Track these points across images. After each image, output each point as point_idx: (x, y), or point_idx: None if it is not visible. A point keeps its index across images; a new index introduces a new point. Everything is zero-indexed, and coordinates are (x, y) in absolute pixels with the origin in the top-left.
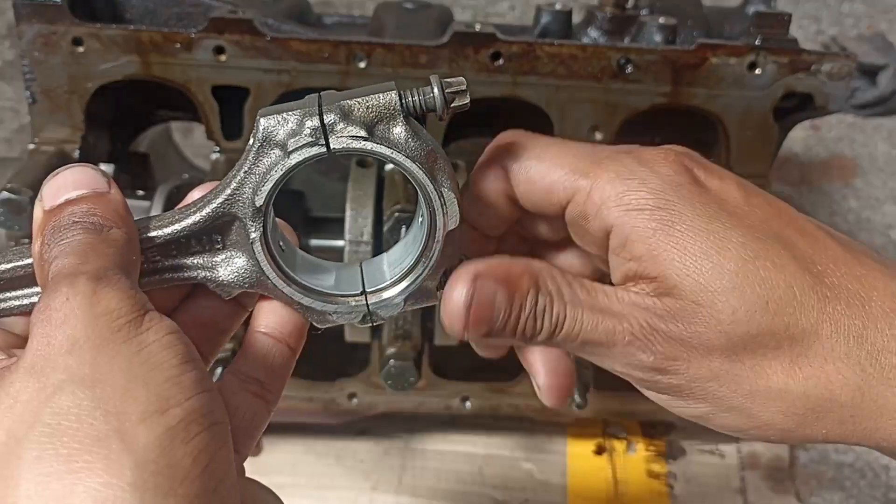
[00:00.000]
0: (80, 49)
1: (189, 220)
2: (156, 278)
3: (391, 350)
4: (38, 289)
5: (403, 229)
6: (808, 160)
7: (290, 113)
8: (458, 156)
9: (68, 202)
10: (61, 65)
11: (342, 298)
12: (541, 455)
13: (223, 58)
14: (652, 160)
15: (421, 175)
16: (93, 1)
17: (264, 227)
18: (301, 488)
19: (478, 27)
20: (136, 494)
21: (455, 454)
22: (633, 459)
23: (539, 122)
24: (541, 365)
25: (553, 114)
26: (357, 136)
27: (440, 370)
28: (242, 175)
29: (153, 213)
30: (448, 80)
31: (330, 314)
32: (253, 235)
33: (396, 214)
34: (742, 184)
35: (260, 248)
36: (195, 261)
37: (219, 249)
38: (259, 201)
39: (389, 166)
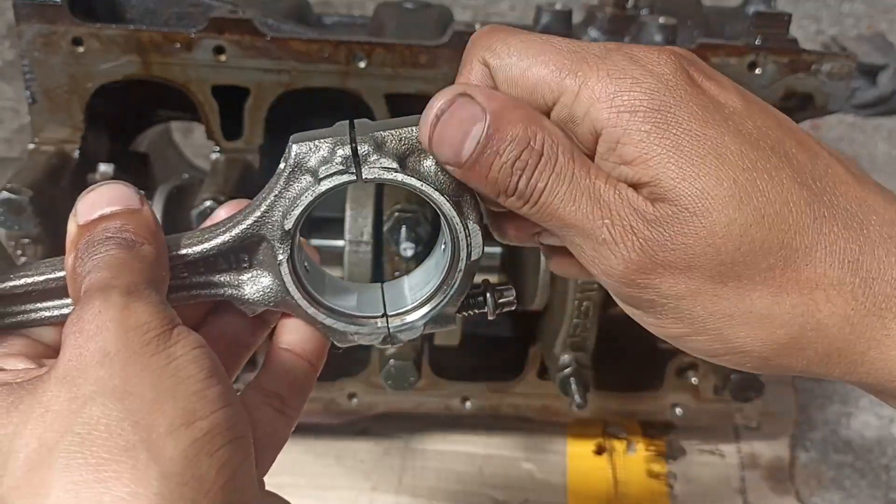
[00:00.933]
0: (80, 49)
1: (218, 240)
2: (183, 294)
3: (391, 350)
4: (68, 301)
5: (404, 230)
6: None
7: (323, 140)
8: None
9: (102, 217)
10: (61, 65)
11: (364, 320)
12: (541, 455)
13: (223, 58)
14: (646, 58)
15: (447, 207)
16: (93, 1)
17: (291, 249)
18: (301, 488)
19: (478, 27)
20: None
21: (455, 454)
22: (633, 459)
23: None
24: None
25: None
26: (389, 168)
27: (440, 370)
28: (273, 199)
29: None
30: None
31: (351, 334)
32: (280, 257)
33: (396, 214)
34: (742, 91)
35: (287, 269)
36: (222, 278)
37: (245, 268)
38: (288, 225)
39: None
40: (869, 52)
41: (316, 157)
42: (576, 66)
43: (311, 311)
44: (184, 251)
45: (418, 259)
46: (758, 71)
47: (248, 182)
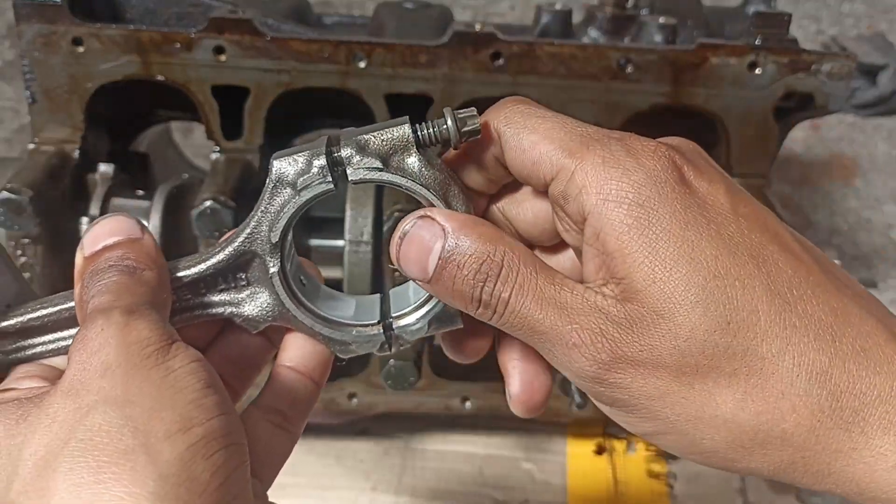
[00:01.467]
0: (80, 49)
1: (214, 260)
2: (187, 315)
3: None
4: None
5: None
6: (808, 160)
7: (300, 154)
8: None
9: (105, 248)
10: (61, 65)
11: (361, 328)
12: (541, 455)
13: (223, 58)
14: (640, 151)
15: (436, 202)
16: (93, 1)
17: (282, 261)
18: (301, 488)
19: (478, 27)
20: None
21: (455, 454)
22: (633, 459)
23: None
24: (518, 374)
25: None
26: (373, 168)
27: (440, 370)
28: (259, 214)
29: (153, 212)
30: (459, 110)
31: (349, 344)
32: (272, 270)
33: (396, 214)
34: (732, 190)
35: (279, 281)
36: (222, 297)
37: (243, 286)
38: (275, 238)
39: None
40: (869, 52)
41: (294, 170)
42: (576, 149)
43: (308, 321)
44: (182, 273)
45: None
46: (758, 71)
47: (248, 182)
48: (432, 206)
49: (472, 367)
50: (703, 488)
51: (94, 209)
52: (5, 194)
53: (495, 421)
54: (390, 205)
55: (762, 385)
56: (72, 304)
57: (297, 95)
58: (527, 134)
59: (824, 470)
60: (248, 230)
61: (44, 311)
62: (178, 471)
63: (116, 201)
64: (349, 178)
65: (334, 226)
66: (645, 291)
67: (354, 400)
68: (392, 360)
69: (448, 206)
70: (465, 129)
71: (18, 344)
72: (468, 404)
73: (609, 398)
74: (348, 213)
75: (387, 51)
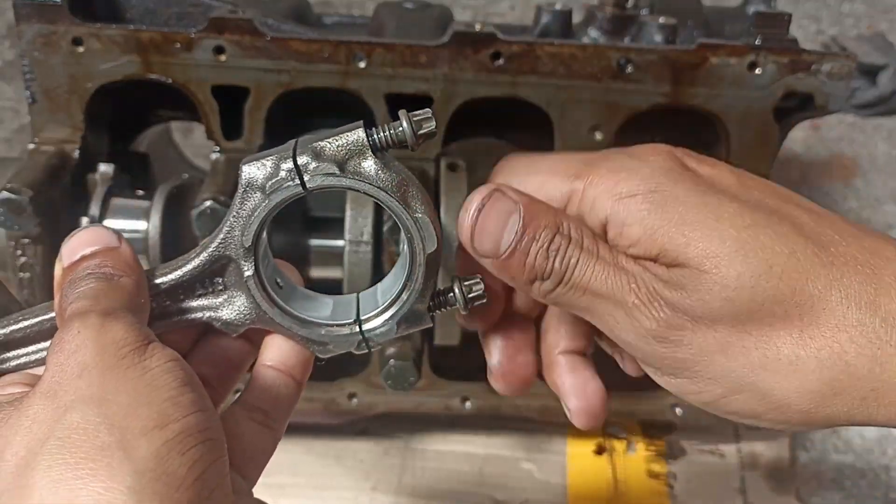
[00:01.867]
0: (80, 49)
1: (190, 266)
2: (167, 321)
3: (391, 350)
4: None
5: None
6: (808, 160)
7: (268, 158)
8: (458, 156)
9: (83, 258)
10: (61, 65)
11: (337, 327)
12: (541, 455)
13: (223, 58)
14: (641, 152)
15: (394, 204)
16: (93, 1)
17: (256, 264)
18: (301, 488)
19: (478, 27)
20: (134, 498)
21: (455, 454)
22: (633, 459)
23: (539, 122)
24: (570, 387)
25: (553, 114)
26: (329, 174)
27: (440, 370)
28: (231, 219)
29: (153, 212)
30: (415, 112)
31: (327, 344)
32: (247, 273)
33: None
34: (734, 171)
35: (254, 283)
36: (200, 303)
37: (220, 290)
38: (247, 242)
39: None
40: (869, 52)
41: (263, 173)
42: (581, 171)
43: (285, 323)
44: (160, 280)
45: None
46: (758, 71)
47: None
48: (390, 207)
49: (472, 368)
50: (703, 488)
51: (95, 209)
52: (5, 194)
53: (495, 421)
54: None
55: (816, 321)
56: (52, 314)
57: (297, 95)
58: (532, 177)
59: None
60: (221, 235)
61: (26, 323)
62: (155, 466)
63: (116, 201)
64: (307, 186)
65: (334, 226)
66: (683, 255)
67: (354, 400)
68: (392, 360)
69: (407, 206)
70: (421, 131)
71: (2, 356)
72: (468, 404)
73: (673, 361)
74: (348, 213)
75: (387, 51)
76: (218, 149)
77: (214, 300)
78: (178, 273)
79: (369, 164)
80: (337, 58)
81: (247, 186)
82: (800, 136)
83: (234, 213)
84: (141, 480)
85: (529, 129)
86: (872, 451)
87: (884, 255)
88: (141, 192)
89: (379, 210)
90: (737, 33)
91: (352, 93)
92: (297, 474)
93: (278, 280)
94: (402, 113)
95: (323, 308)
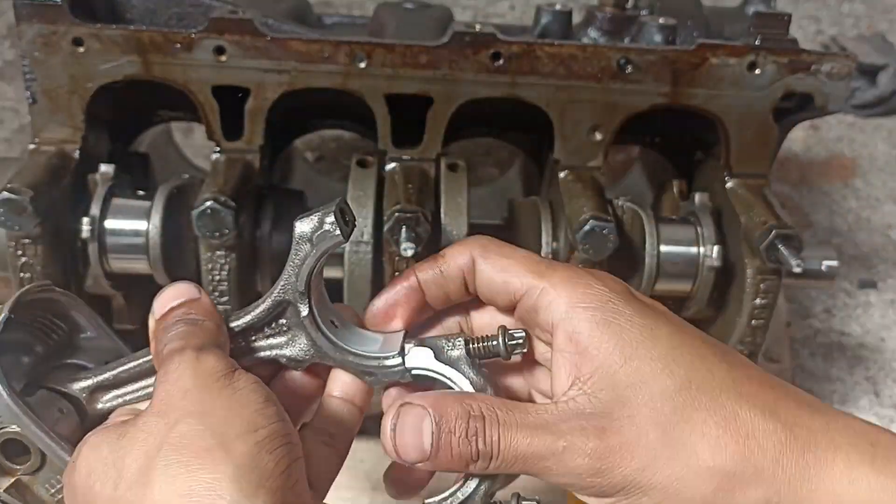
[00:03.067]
0: (81, 49)
1: (258, 311)
2: (242, 360)
3: None
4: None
5: (404, 230)
6: (808, 160)
7: (315, 214)
8: (458, 156)
9: (171, 309)
10: (61, 65)
11: (382, 359)
12: None
13: (223, 58)
14: (596, 273)
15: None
16: (93, 1)
17: (310, 306)
18: None
19: (478, 27)
20: (235, 485)
21: None
22: None
23: (539, 123)
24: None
25: (553, 114)
26: (428, 359)
27: None
28: (289, 269)
29: (153, 213)
30: (512, 331)
31: (376, 374)
32: (303, 314)
33: (396, 214)
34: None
35: (309, 322)
36: (269, 342)
37: (285, 331)
38: (300, 286)
39: (390, 166)
40: (869, 52)
41: (311, 227)
42: (544, 271)
43: (339, 357)
44: (234, 324)
45: (418, 259)
46: (757, 71)
47: (248, 182)
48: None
49: None
50: None
51: (95, 209)
52: (6, 194)
53: None
54: (390, 205)
55: (730, 427)
56: (149, 357)
57: (297, 96)
58: (501, 259)
59: (796, 501)
60: (282, 283)
61: (129, 365)
62: (249, 461)
63: (117, 201)
64: (408, 369)
65: None
66: (617, 374)
67: None
68: None
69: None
70: (515, 352)
71: (113, 393)
72: None
73: (610, 487)
74: None
75: (387, 51)
76: (218, 149)
77: (280, 339)
78: (249, 317)
79: (462, 362)
80: (337, 58)
81: (299, 239)
82: (800, 136)
83: (290, 263)
84: (239, 471)
85: (529, 129)
86: None
87: (775, 382)
88: (141, 193)
89: (379, 210)
90: (736, 33)
91: (352, 93)
92: None
93: (333, 320)
94: (500, 330)
95: (372, 343)
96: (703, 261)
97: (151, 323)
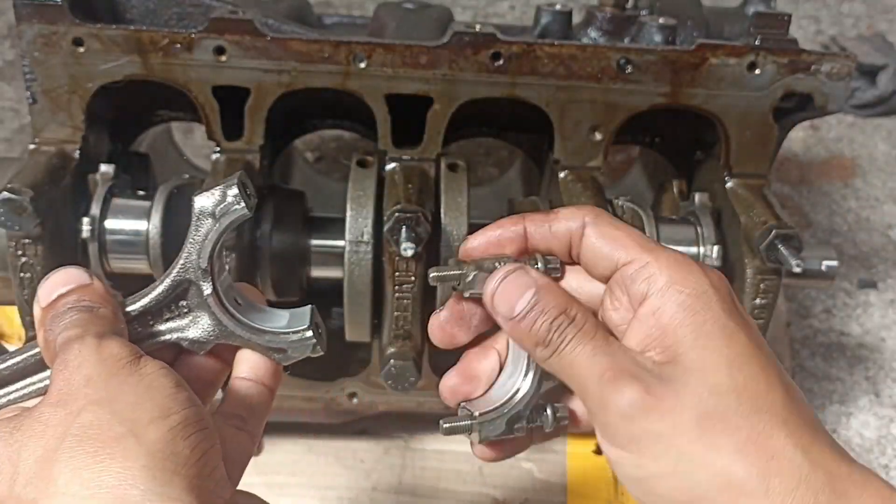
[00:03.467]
0: (81, 49)
1: (155, 293)
2: (142, 345)
3: (391, 350)
4: (47, 373)
5: (404, 230)
6: (808, 160)
7: (216, 188)
8: (458, 156)
9: (60, 296)
10: (62, 65)
11: (292, 334)
12: (541, 455)
13: (224, 58)
14: (706, 266)
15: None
16: (93, 1)
17: (213, 284)
18: (301, 488)
19: (478, 27)
20: (149, 474)
21: (455, 454)
22: None
23: (539, 123)
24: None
25: (553, 114)
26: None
27: (440, 370)
28: (188, 246)
29: (154, 213)
30: (556, 405)
31: (286, 350)
32: (206, 292)
33: (396, 214)
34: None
35: (213, 301)
36: (169, 325)
37: (186, 313)
38: (203, 264)
39: (390, 166)
40: (869, 52)
41: (212, 201)
42: (652, 248)
43: (245, 335)
44: (130, 308)
45: (418, 258)
46: (757, 71)
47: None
48: None
49: None
50: None
51: (95, 209)
52: (6, 194)
53: None
54: (390, 205)
55: (760, 443)
56: (37, 350)
57: (297, 96)
58: (612, 230)
59: None
60: (181, 262)
61: (12, 361)
62: (163, 448)
63: (117, 201)
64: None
65: (334, 226)
66: (685, 355)
67: (355, 399)
68: (392, 360)
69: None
70: (559, 424)
71: None
72: None
73: (627, 436)
74: (348, 213)
75: (387, 51)
76: (218, 149)
77: (181, 322)
78: (146, 300)
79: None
80: (337, 58)
81: (199, 215)
82: (799, 136)
83: (190, 240)
84: (153, 460)
85: (529, 129)
86: (872, 450)
87: (819, 428)
88: (141, 193)
89: (379, 210)
90: (736, 34)
91: (352, 93)
92: (297, 474)
93: (237, 298)
94: (549, 407)
95: (279, 320)
96: (703, 261)
97: (36, 311)
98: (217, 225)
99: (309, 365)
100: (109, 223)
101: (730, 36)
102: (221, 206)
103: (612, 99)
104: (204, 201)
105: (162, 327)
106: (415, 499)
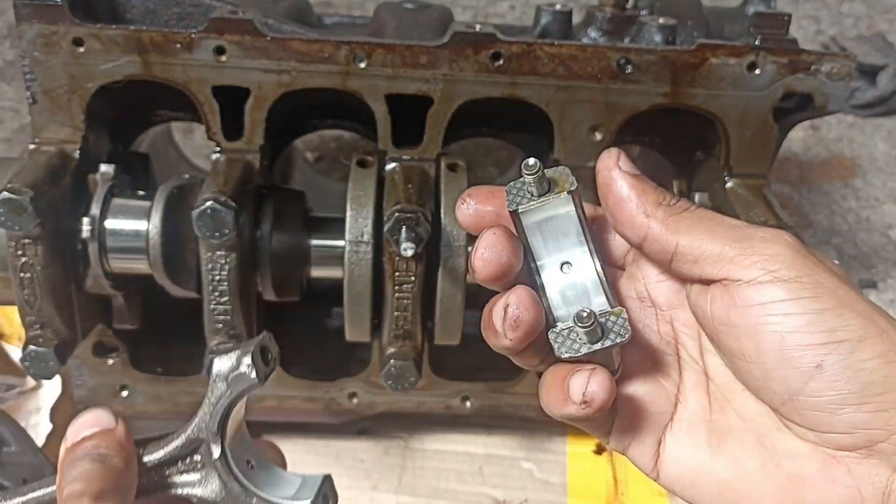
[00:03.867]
0: (81, 49)
1: (171, 446)
2: (156, 495)
3: (391, 350)
4: None
5: (404, 230)
6: (808, 160)
7: (233, 353)
8: (458, 156)
9: (84, 438)
10: (62, 65)
11: None
12: (541, 455)
13: (224, 58)
14: (769, 234)
15: None
16: (93, 1)
17: (222, 447)
18: None
19: (478, 27)
20: None
21: (455, 454)
22: None
23: (539, 123)
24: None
25: (553, 114)
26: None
27: (440, 370)
28: (205, 405)
29: (154, 213)
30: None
31: None
32: (215, 455)
33: (396, 214)
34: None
35: (221, 464)
36: (182, 479)
37: (199, 468)
38: (213, 426)
39: (390, 166)
40: (869, 53)
41: (228, 366)
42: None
43: (248, 502)
44: (147, 458)
45: (418, 258)
46: (757, 71)
47: (248, 182)
48: None
49: (472, 367)
50: None
51: (95, 209)
52: (6, 194)
53: (495, 420)
54: (390, 205)
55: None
56: (54, 488)
57: (298, 96)
58: (716, 223)
59: None
60: (197, 419)
61: (33, 495)
62: None
63: (117, 201)
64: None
65: (334, 226)
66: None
67: (355, 399)
68: (392, 360)
69: None
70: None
71: None
72: (468, 404)
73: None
74: (348, 213)
75: (387, 51)
76: (218, 149)
77: (194, 476)
78: (162, 453)
79: None
80: (337, 58)
81: (216, 377)
82: (799, 137)
83: (207, 400)
84: None
85: (528, 129)
86: None
87: None
88: (142, 193)
89: (379, 210)
90: (736, 34)
91: (352, 93)
92: None
93: (250, 460)
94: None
95: (288, 487)
96: None
97: (61, 451)
98: (229, 391)
99: (309, 365)
100: (109, 223)
101: (730, 36)
102: (234, 373)
103: (612, 99)
104: (220, 365)
105: (177, 479)
106: (415, 499)
